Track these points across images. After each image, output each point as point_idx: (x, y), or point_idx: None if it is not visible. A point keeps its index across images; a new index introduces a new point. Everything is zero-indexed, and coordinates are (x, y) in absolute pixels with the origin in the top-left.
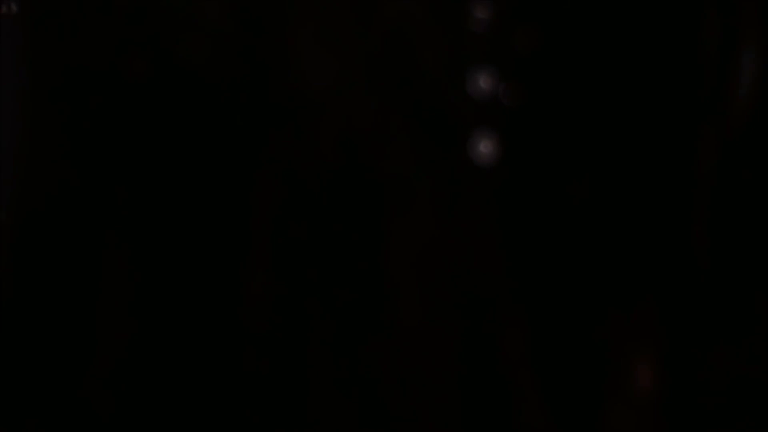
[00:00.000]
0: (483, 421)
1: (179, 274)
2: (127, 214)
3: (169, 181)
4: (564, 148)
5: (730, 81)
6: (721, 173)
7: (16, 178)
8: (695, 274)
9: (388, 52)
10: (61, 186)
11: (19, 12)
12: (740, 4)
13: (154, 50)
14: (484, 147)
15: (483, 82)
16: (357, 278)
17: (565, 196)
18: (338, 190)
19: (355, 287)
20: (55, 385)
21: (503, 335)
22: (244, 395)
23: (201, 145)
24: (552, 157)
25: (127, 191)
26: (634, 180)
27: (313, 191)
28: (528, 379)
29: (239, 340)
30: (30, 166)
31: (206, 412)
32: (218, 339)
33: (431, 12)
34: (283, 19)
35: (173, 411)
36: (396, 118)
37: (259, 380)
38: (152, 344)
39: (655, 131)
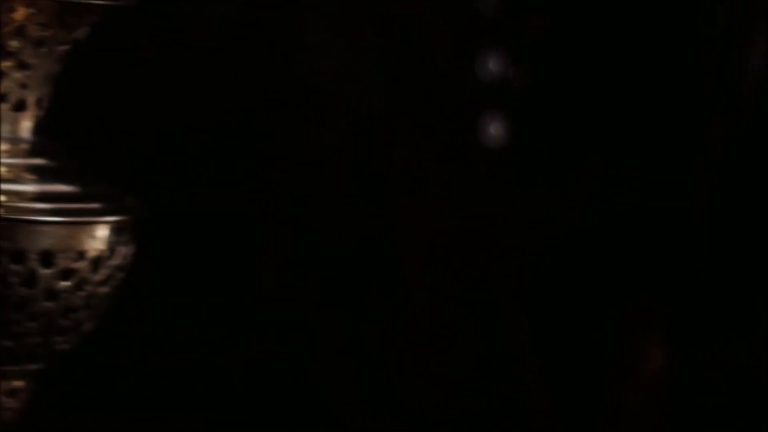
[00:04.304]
0: (491, 405)
1: (190, 263)
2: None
3: (178, 169)
4: (572, 130)
5: (736, 74)
6: (725, 166)
7: None
8: (698, 268)
9: (398, 37)
10: None
11: None
12: None
13: (165, 35)
14: (494, 129)
15: (492, 66)
16: (369, 264)
17: (573, 179)
18: (349, 174)
19: (368, 273)
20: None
21: (513, 320)
22: (255, 381)
23: (210, 130)
24: (561, 139)
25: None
26: (641, 162)
27: (324, 177)
28: (536, 364)
29: (251, 327)
30: None
31: (220, 397)
32: (231, 326)
33: None
34: (294, 5)
35: (184, 399)
36: (406, 101)
37: (269, 366)
38: (166, 333)
39: (661, 113)
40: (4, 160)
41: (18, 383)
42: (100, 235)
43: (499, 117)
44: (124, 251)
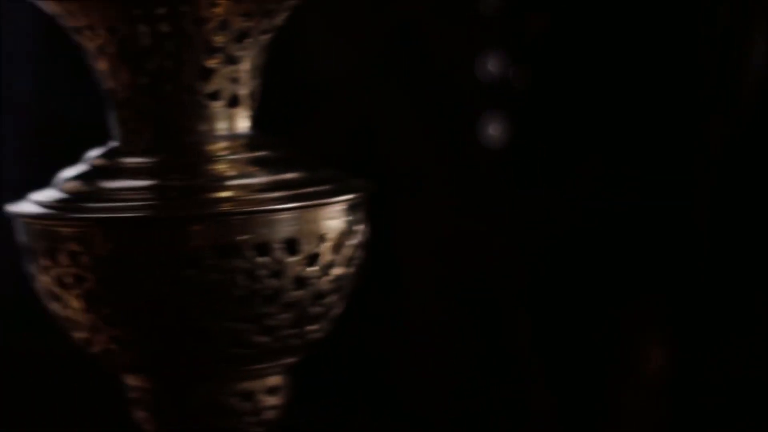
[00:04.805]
0: (491, 405)
1: None
2: None
3: None
4: (572, 130)
5: (736, 74)
6: (725, 166)
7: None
8: (698, 268)
9: (398, 37)
10: None
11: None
12: None
13: None
14: (494, 129)
15: (492, 66)
16: (369, 264)
17: (574, 179)
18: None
19: (369, 273)
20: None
21: (513, 320)
22: None
23: None
24: (561, 139)
25: None
26: (640, 162)
27: None
28: (536, 364)
29: None
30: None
31: None
32: None
33: None
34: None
35: None
36: (407, 102)
37: None
38: None
39: (661, 113)
40: (225, 157)
41: (276, 379)
42: (338, 216)
43: (499, 117)
44: (362, 229)
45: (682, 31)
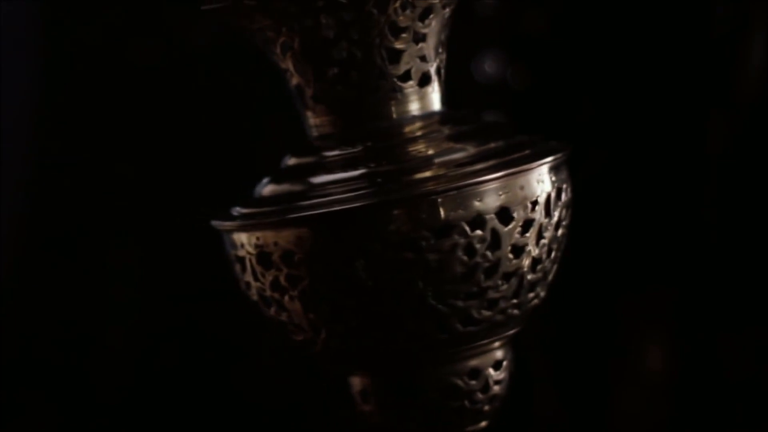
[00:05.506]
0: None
1: (184, 269)
2: (130, 207)
3: (181, 172)
4: (571, 130)
5: (741, 64)
6: (730, 160)
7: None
8: (706, 261)
9: None
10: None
11: None
12: None
13: (162, 35)
14: None
15: (489, 67)
16: None
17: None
18: None
19: None
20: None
21: None
22: (258, 380)
23: (207, 133)
24: (559, 139)
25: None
26: (643, 164)
27: None
28: (539, 362)
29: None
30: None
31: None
32: (236, 331)
33: None
34: None
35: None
36: None
37: (272, 365)
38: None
39: (663, 114)
40: (423, 136)
41: (500, 354)
42: (544, 178)
43: (497, 117)
44: (566, 189)
45: (682, 31)
